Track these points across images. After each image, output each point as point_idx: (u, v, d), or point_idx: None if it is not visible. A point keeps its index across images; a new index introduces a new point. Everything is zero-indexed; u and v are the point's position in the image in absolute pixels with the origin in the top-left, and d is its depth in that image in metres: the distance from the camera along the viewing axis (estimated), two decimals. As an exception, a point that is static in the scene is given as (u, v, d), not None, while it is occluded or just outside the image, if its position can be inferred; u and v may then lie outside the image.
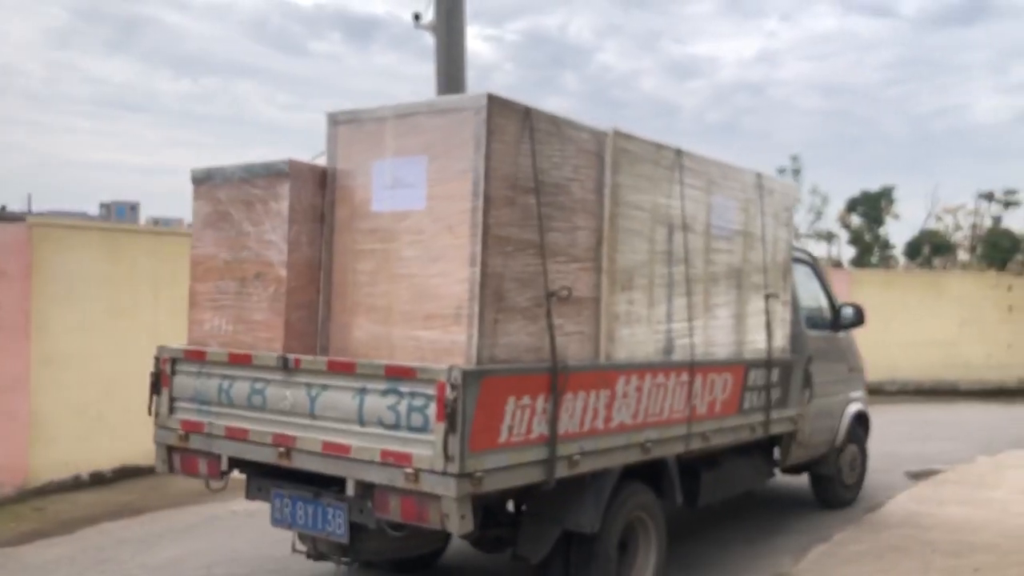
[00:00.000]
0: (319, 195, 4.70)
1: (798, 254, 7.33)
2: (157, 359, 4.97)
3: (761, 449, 6.65)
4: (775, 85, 74.32)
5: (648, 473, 5.10)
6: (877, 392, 16.03)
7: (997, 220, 35.65)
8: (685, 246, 5.27)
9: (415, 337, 4.25)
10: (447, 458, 3.79)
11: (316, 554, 4.94)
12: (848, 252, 34.53)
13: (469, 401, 3.82)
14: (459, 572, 5.93)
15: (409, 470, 3.90)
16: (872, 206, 36.53)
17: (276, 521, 4.67)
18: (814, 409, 6.94)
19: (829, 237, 36.54)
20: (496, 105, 4.08)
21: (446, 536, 4.87)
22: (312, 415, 4.33)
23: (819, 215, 35.79)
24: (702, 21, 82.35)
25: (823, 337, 7.51)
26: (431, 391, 3.87)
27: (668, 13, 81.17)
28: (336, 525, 4.38)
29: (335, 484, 4.29)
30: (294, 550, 4.98)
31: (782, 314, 6.41)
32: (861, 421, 8.08)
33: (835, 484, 7.72)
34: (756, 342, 6.04)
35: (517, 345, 4.23)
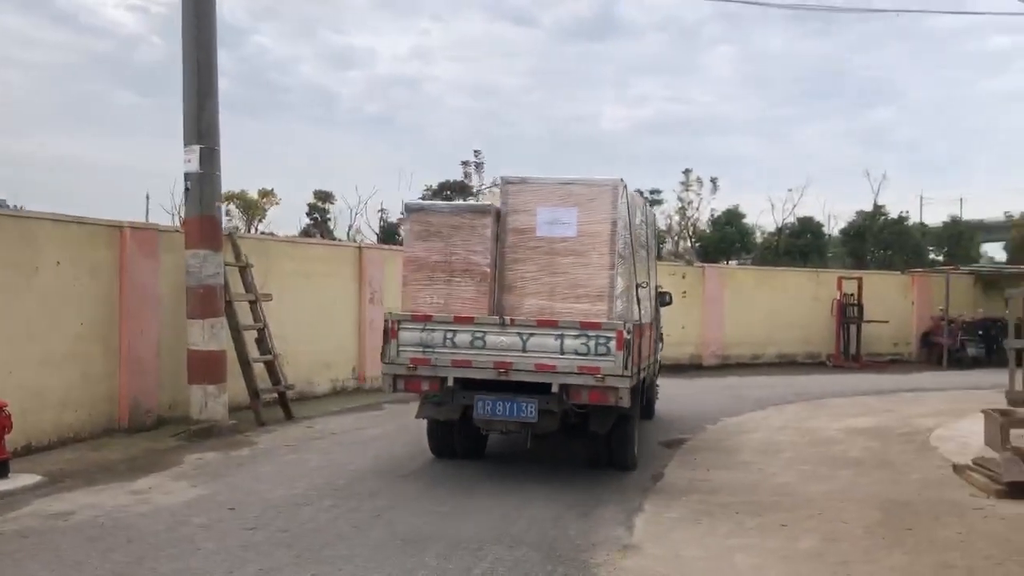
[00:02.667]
0: (497, 224, 8.16)
1: None
2: (387, 320, 8.02)
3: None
4: (429, 81, 76.77)
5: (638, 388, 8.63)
6: None
7: None
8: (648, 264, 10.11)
9: (570, 309, 7.85)
10: (625, 368, 7.39)
11: (503, 433, 8.36)
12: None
13: (628, 337, 7.43)
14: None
15: (599, 376, 7.41)
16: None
17: (478, 416, 7.80)
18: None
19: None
20: (622, 184, 8.03)
21: (560, 420, 7.81)
22: (523, 350, 7.62)
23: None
24: (359, 13, 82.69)
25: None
26: (612, 335, 7.44)
27: (325, 2, 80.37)
28: (529, 413, 7.65)
29: (522, 390, 7.69)
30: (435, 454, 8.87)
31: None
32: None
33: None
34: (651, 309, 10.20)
35: (623, 313, 7.95)
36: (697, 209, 40.52)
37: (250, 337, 11.49)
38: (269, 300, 11.92)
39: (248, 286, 11.67)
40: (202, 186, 10.32)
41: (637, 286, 8.61)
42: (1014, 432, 8.67)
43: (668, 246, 39.51)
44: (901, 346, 24.01)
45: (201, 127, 10.32)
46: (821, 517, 6.71)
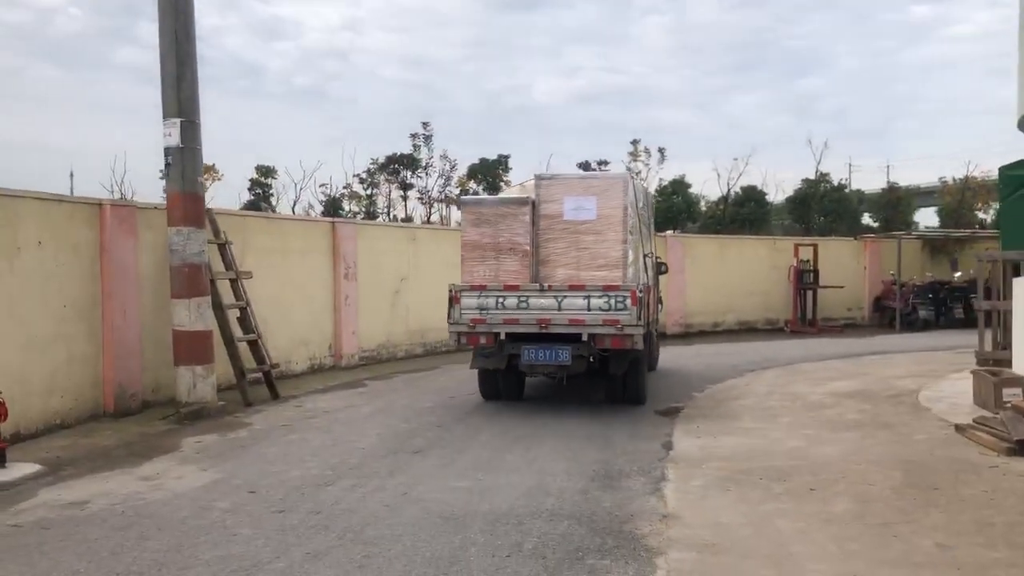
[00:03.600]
0: (533, 212, 10.20)
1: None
2: (451, 290, 10.06)
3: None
4: (360, 53, 75.62)
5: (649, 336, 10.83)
6: None
7: None
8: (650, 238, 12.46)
9: (593, 276, 9.90)
10: (638, 319, 9.42)
11: (546, 376, 10.58)
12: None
13: (641, 297, 9.48)
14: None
15: (619, 326, 9.43)
16: (490, 173, 38.83)
17: (524, 362, 9.85)
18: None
19: (454, 200, 38.08)
20: (630, 176, 10.32)
21: (585, 364, 9.84)
22: (559, 309, 9.65)
23: (448, 180, 37.19)
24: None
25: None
26: (627, 294, 9.47)
27: (251, -29, 78.42)
28: (564, 357, 9.66)
29: (559, 341, 9.70)
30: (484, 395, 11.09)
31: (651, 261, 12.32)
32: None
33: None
34: (650, 274, 12.04)
35: (634, 278, 10.06)
36: (645, 179, 40.69)
37: (232, 316, 11.19)
38: (249, 278, 11.63)
39: (228, 263, 11.35)
40: (184, 161, 9.96)
41: (644, 256, 11.06)
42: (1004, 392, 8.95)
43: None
44: (855, 311, 24.59)
45: (181, 99, 9.95)
46: (846, 480, 6.80)
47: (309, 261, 13.96)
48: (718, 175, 47.52)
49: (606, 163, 40.92)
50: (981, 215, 42.87)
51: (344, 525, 5.85)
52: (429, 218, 36.58)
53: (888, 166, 78.55)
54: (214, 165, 40.91)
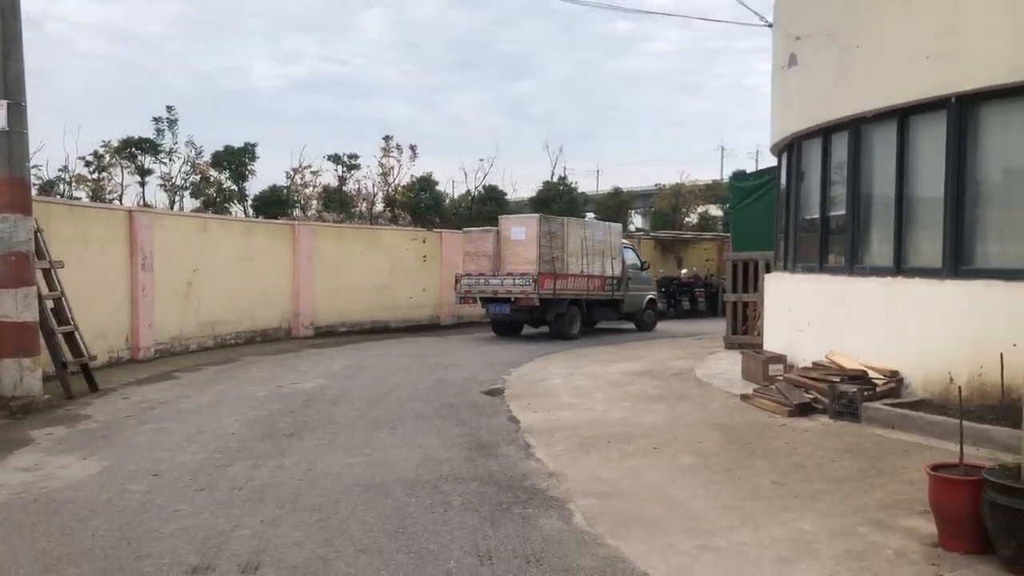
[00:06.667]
0: (497, 235, 19.73)
1: (626, 243, 23.51)
2: (456, 276, 19.95)
3: (614, 305, 21.68)
4: (55, 21, 69.88)
5: (578, 303, 20.19)
6: (330, 334, 18.33)
7: (343, 180, 40.11)
8: (585, 247, 20.29)
9: (522, 270, 18.98)
10: (536, 289, 18.64)
11: (495, 321, 20.47)
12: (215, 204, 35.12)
13: (540, 279, 18.57)
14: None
15: (531, 295, 18.69)
16: (236, 160, 37.99)
17: (489, 312, 19.83)
18: (630, 294, 22.05)
19: (196, 190, 36.72)
20: (542, 217, 19.77)
21: (531, 317, 19.73)
22: (501, 285, 19.08)
23: (194, 167, 35.83)
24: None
25: (635, 272, 22.61)
26: (531, 277, 18.69)
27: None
28: (506, 309, 19.17)
29: (504, 302, 19.12)
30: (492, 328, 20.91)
31: (616, 263, 21.45)
32: (651, 303, 23.32)
33: (643, 323, 22.95)
34: (609, 270, 21.10)
35: (541, 269, 18.91)
36: (397, 175, 41.61)
37: (47, 306, 10.75)
38: (62, 267, 11.18)
39: (41, 252, 10.86)
40: (11, 145, 9.53)
41: (554, 258, 19.25)
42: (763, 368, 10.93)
43: (369, 208, 40.16)
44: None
45: (8, 79, 9.51)
46: (679, 440, 8.21)
47: (108, 251, 13.50)
48: (465, 174, 49.40)
49: (356, 156, 41.41)
50: (688, 218, 48.25)
51: (276, 497, 6.30)
52: (172, 205, 34.99)
53: (599, 170, 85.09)
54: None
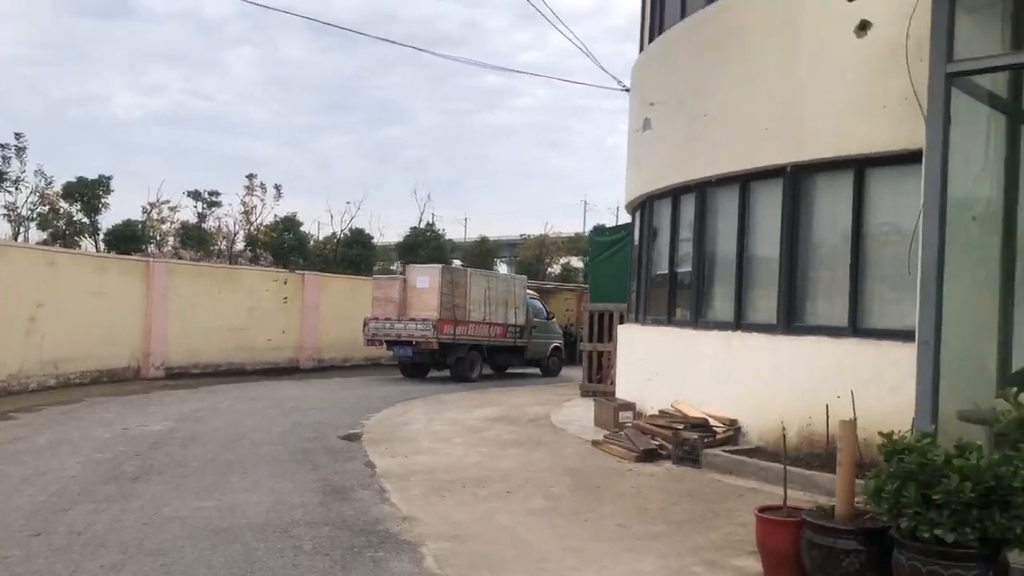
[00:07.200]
0: (403, 282, 21.00)
1: (532, 294, 24.79)
2: (365, 320, 20.70)
3: (518, 351, 22.70)
4: None
5: (479, 348, 21.46)
6: (183, 376, 17.86)
7: (202, 217, 39.22)
8: (488, 296, 21.53)
9: (424, 315, 20.11)
10: (436, 334, 19.82)
11: (402, 363, 21.50)
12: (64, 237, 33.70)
13: (439, 325, 19.78)
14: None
15: (430, 339, 19.86)
16: (89, 192, 36.65)
17: (395, 353, 20.88)
18: (534, 342, 23.30)
19: (43, 221, 35.14)
20: (444, 267, 21.74)
21: (432, 360, 20.77)
22: (405, 328, 20.13)
23: (43, 197, 34.31)
24: None
25: (540, 319, 24.07)
26: (431, 322, 19.85)
27: None
28: (409, 352, 20.35)
29: (407, 344, 20.17)
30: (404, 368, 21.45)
31: (520, 312, 22.65)
32: (556, 350, 24.51)
33: (548, 369, 23.96)
34: (512, 318, 22.36)
35: (441, 315, 20.13)
36: (260, 214, 40.87)
37: None
38: None
39: None
40: None
41: (455, 306, 20.55)
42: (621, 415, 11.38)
43: (230, 247, 39.21)
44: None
45: None
46: (531, 484, 8.43)
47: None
48: (331, 216, 49.21)
49: (217, 193, 40.50)
50: (551, 268, 49.39)
51: (118, 542, 6.12)
52: (16, 236, 33.16)
53: (466, 218, 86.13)
54: None
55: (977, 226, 6.85)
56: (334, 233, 44.20)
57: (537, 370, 23.90)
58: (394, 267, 45.20)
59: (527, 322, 22.98)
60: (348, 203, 45.55)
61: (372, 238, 44.73)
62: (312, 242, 45.80)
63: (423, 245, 42.47)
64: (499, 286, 22.36)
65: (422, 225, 43.99)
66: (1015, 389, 4.72)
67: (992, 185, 6.84)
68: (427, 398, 16.32)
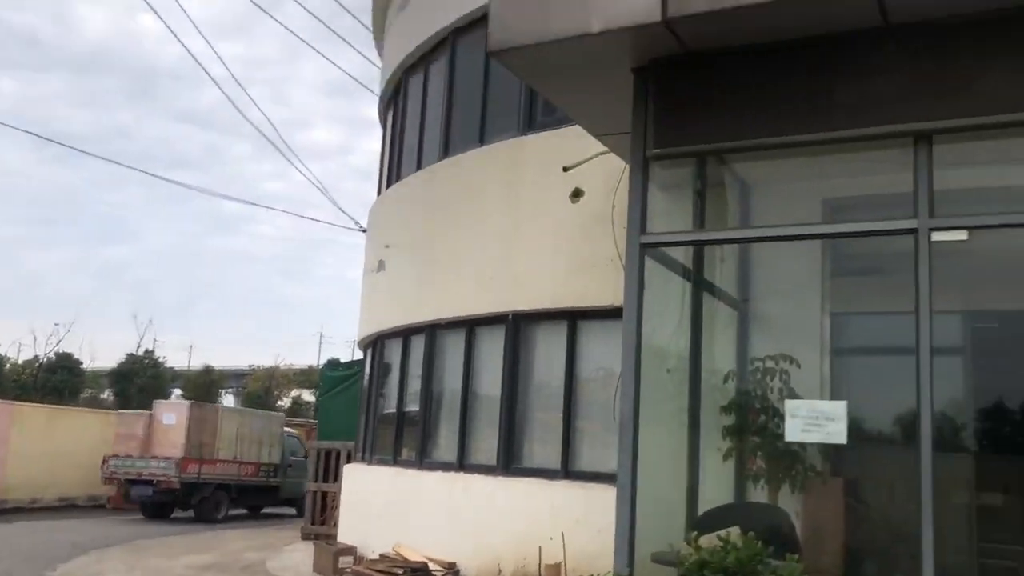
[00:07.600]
0: (151, 419, 21.01)
1: (292, 432, 24.81)
2: (105, 457, 20.01)
3: (271, 490, 22.34)
4: None
5: (227, 487, 20.48)
6: None
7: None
8: (240, 434, 21.56)
9: (167, 453, 19.77)
10: (178, 472, 19.10)
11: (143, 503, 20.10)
12: None
13: (183, 463, 19.43)
14: None
15: (172, 478, 19.03)
16: None
17: (133, 492, 19.84)
18: (289, 480, 22.25)
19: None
20: (193, 403, 22.12)
21: (175, 499, 19.71)
22: (147, 467, 19.47)
23: None
24: None
25: (298, 458, 22.70)
26: (173, 461, 19.27)
27: None
28: (149, 491, 19.33)
29: (148, 483, 19.29)
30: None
31: (275, 451, 22.54)
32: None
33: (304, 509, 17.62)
34: (266, 456, 22.07)
35: (185, 454, 19.93)
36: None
37: None
38: None
39: None
40: None
41: (203, 444, 20.12)
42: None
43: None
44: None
45: None
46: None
47: None
48: (35, 338, 44.91)
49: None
50: (281, 402, 47.86)
51: None
52: None
53: (191, 345, 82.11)
54: None
55: (671, 378, 7.58)
56: (36, 356, 40.42)
57: (293, 510, 22.46)
58: (104, 395, 41.91)
59: (282, 461, 22.62)
60: (56, 325, 41.89)
61: (81, 363, 41.34)
62: (9, 366, 41.55)
63: (139, 373, 39.81)
64: (254, 424, 22.33)
65: (140, 351, 41.14)
66: (695, 532, 5.18)
67: (683, 342, 7.65)
68: (129, 544, 14.89)
